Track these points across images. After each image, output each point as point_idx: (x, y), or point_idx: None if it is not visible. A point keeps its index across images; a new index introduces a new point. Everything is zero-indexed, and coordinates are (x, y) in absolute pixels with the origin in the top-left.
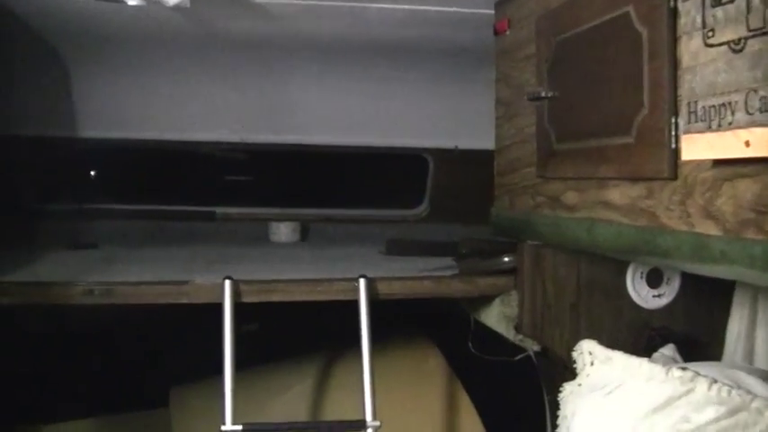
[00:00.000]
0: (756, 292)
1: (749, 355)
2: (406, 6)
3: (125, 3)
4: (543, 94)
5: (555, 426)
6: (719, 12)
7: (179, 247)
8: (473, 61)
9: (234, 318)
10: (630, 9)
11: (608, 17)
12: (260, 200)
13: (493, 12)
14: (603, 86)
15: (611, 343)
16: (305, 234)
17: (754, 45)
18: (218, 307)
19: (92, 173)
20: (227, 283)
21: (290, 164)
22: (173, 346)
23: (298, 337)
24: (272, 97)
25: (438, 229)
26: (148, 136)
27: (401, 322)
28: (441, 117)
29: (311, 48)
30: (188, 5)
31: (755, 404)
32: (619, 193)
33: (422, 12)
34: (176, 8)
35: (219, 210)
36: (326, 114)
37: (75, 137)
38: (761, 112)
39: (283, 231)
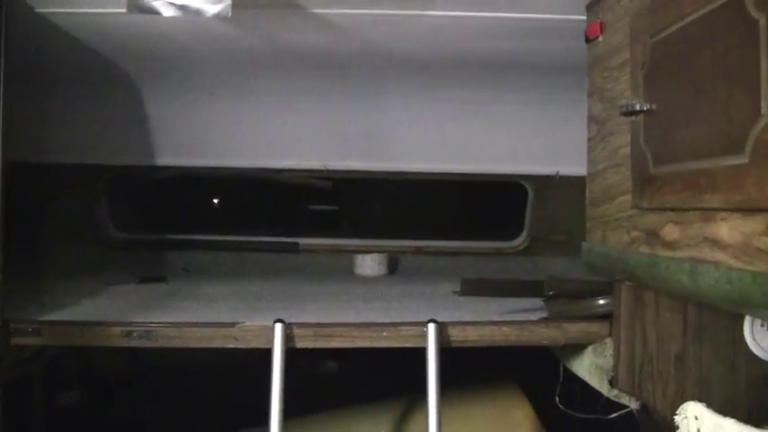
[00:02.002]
0: None
1: None
2: (493, 14)
3: (159, 14)
4: (638, 107)
5: None
6: None
7: (255, 280)
8: (571, 80)
9: (284, 364)
10: None
11: (715, 5)
12: (346, 231)
13: (584, 17)
14: (709, 92)
15: (725, 403)
16: (393, 267)
17: None
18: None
19: (173, 202)
20: (278, 326)
21: (376, 192)
22: (241, 388)
23: (377, 378)
24: (358, 121)
25: (538, 262)
26: (229, 163)
27: (488, 367)
28: (539, 141)
29: (398, 66)
30: (229, 14)
31: None
32: (728, 228)
33: (511, 20)
34: (218, 18)
35: (303, 241)
36: (415, 139)
37: (157, 165)
38: None
39: (369, 264)
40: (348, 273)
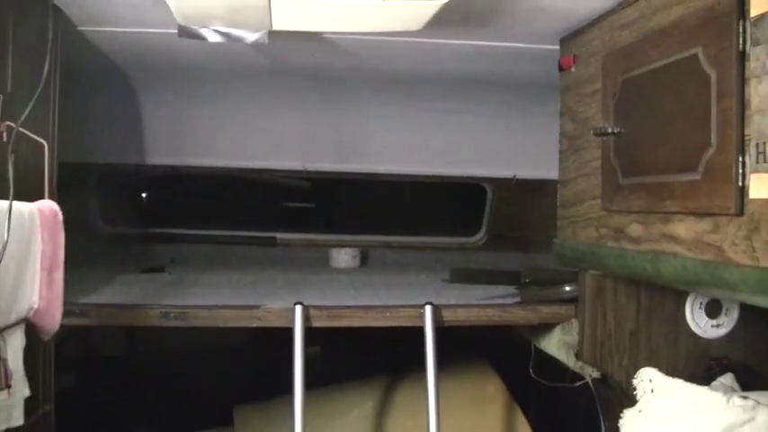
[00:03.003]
0: None
1: None
2: (474, 42)
3: (206, 39)
4: (610, 130)
5: None
6: None
7: (242, 271)
8: (532, 94)
9: (304, 341)
10: (699, 51)
11: (676, 58)
12: (320, 226)
13: (557, 47)
14: (670, 124)
15: (670, 371)
16: (364, 260)
17: None
18: (285, 330)
19: (161, 199)
20: (298, 308)
21: (350, 191)
22: (235, 367)
23: (358, 361)
24: (336, 127)
25: (495, 256)
26: (215, 163)
27: (460, 347)
28: (500, 147)
29: (377, 80)
30: (266, 42)
31: None
32: (684, 228)
33: (486, 47)
34: (254, 45)
35: (281, 236)
36: (388, 144)
37: (146, 164)
38: None
39: (343, 258)
40: (323, 265)
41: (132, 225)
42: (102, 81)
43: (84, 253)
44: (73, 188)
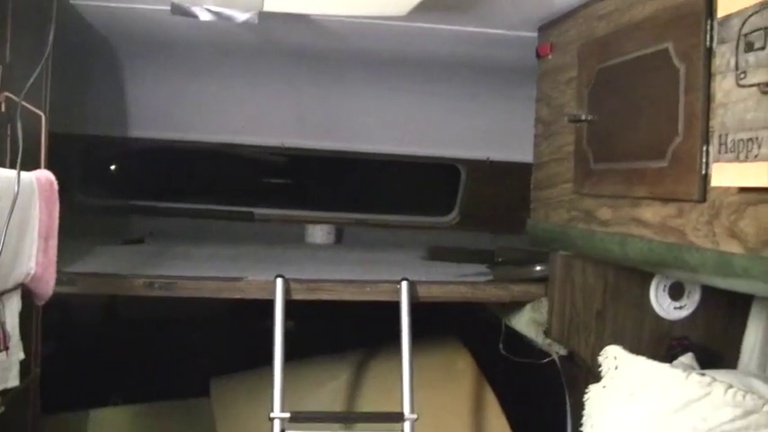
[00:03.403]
0: None
1: (763, 365)
2: (456, 27)
3: (197, 17)
4: (583, 117)
5: (576, 426)
6: (751, 57)
7: (220, 245)
8: (509, 78)
9: (284, 313)
10: (670, 46)
11: (649, 51)
12: (298, 203)
13: (535, 35)
14: (641, 114)
15: (633, 350)
16: (339, 237)
17: None
18: (261, 303)
19: (141, 171)
20: (279, 281)
21: (327, 169)
22: (212, 339)
23: (332, 335)
24: (315, 105)
25: (467, 236)
26: (194, 137)
27: (432, 324)
28: (475, 130)
29: (359, 61)
30: (256, 22)
31: (767, 407)
32: (651, 212)
33: (468, 32)
34: (245, 24)
35: (258, 211)
36: (366, 123)
37: (128, 136)
38: None
39: (319, 234)
40: (299, 240)
41: (113, 197)
42: (88, 53)
43: (66, 224)
44: (56, 159)
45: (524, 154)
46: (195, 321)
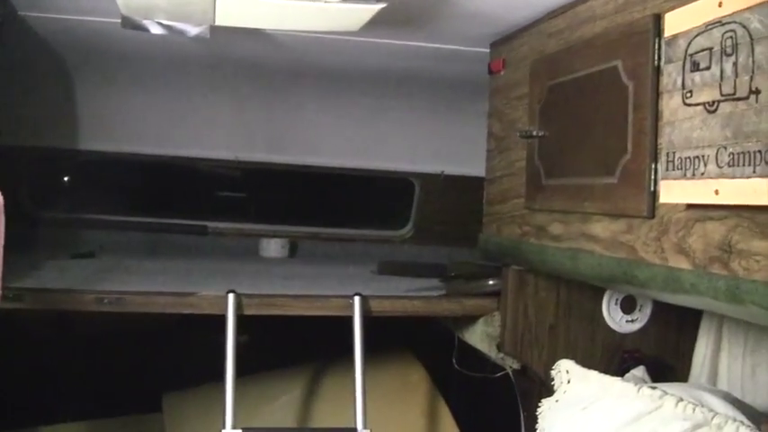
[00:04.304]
0: (721, 320)
1: (713, 377)
2: (409, 43)
3: (149, 31)
4: (534, 133)
5: None
6: (697, 76)
7: (172, 259)
8: (462, 93)
9: (236, 329)
10: (619, 64)
11: (598, 68)
12: (251, 216)
13: (487, 50)
14: (591, 130)
15: (586, 363)
16: (293, 251)
17: (725, 108)
18: (213, 318)
19: (91, 184)
20: (231, 296)
21: (281, 183)
22: (164, 354)
23: (286, 350)
24: (269, 118)
25: (421, 250)
26: (147, 150)
27: (386, 338)
28: (428, 144)
29: (311, 75)
30: (208, 36)
31: (716, 420)
32: (601, 228)
33: (421, 47)
34: (196, 38)
35: (211, 224)
36: (319, 137)
37: (78, 149)
38: (729, 166)
39: (273, 247)
40: (253, 254)
41: (64, 210)
42: (35, 65)
43: (15, 237)
44: (5, 171)
45: (478, 168)
46: (148, 335)
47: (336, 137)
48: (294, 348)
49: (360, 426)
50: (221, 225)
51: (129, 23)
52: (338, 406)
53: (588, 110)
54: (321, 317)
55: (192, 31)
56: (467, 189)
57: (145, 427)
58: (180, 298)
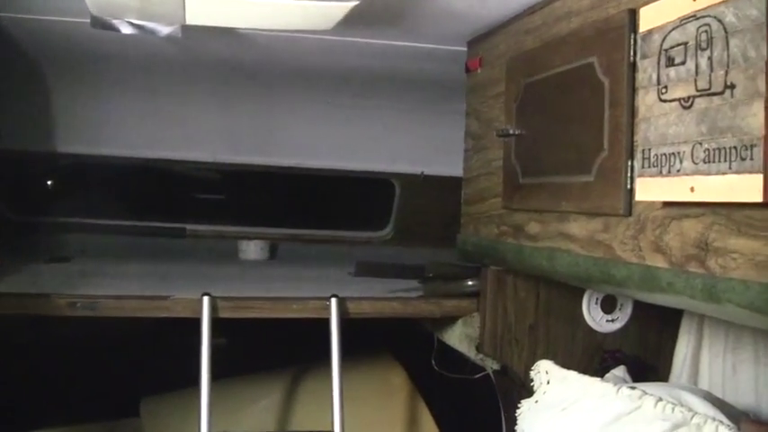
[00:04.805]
0: (702, 319)
1: (694, 376)
2: (385, 42)
3: (119, 31)
4: (511, 132)
5: None
6: (672, 71)
7: (150, 262)
8: (441, 93)
9: (210, 332)
10: (595, 60)
11: (574, 65)
12: (230, 218)
13: (464, 49)
14: (567, 128)
15: (567, 364)
16: (273, 252)
17: (700, 103)
18: (192, 321)
19: (69, 188)
20: (206, 299)
21: (260, 184)
22: (142, 358)
23: (264, 353)
24: (248, 120)
25: (402, 251)
26: (125, 153)
27: (365, 340)
28: (408, 144)
29: (290, 75)
30: (179, 36)
31: (695, 420)
32: (578, 227)
33: (399, 47)
34: (168, 38)
35: (190, 227)
36: (300, 138)
37: (53, 152)
38: (705, 162)
39: (252, 249)
40: (232, 257)
41: (39, 214)
42: (8, 67)
43: None
44: None
45: (458, 168)
46: (126, 340)
47: (315, 138)
48: (273, 352)
49: (337, 429)
50: (200, 227)
51: (99, 23)
52: (317, 410)
53: (564, 107)
54: (298, 319)
55: (164, 30)
56: (447, 189)
57: (122, 431)
58: (154, 301)
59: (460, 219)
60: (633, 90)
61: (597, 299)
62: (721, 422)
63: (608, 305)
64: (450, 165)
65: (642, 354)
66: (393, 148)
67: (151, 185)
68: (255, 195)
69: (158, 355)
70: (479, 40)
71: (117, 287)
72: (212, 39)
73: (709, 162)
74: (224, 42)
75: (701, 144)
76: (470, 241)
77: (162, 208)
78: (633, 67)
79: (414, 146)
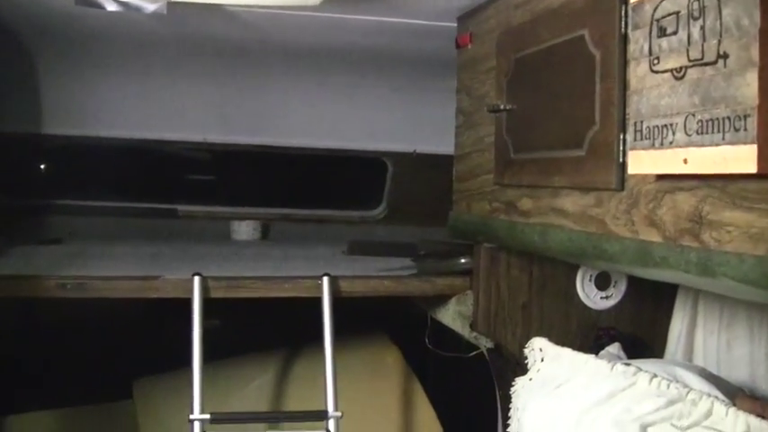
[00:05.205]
0: (697, 295)
1: (689, 353)
2: (374, 18)
3: (104, 8)
4: (502, 107)
5: (506, 418)
6: (664, 42)
7: (142, 243)
8: (432, 70)
9: (202, 312)
10: (585, 33)
11: (564, 38)
12: (222, 199)
13: (454, 24)
14: (558, 102)
15: (561, 341)
16: (265, 233)
17: (693, 74)
18: (185, 303)
19: (59, 169)
20: (197, 279)
21: (251, 164)
22: (134, 340)
23: (258, 334)
24: (239, 100)
25: (395, 230)
26: (115, 134)
27: (360, 320)
28: (400, 122)
29: (279, 54)
30: (164, 13)
31: (691, 396)
32: (570, 202)
33: (388, 23)
34: (153, 15)
35: (182, 208)
36: (291, 118)
37: (41, 133)
38: (698, 133)
39: (244, 230)
40: (224, 237)
41: (29, 196)
42: None
43: None
44: None
45: (450, 146)
46: (118, 321)
47: (307, 117)
48: (267, 332)
49: (331, 408)
50: (192, 208)
51: (84, 0)
52: (311, 389)
53: (555, 81)
54: (291, 299)
55: (149, 7)
56: (440, 167)
57: (116, 414)
58: (144, 282)
59: (453, 196)
60: (625, 62)
61: (591, 276)
62: (716, 398)
63: (602, 282)
64: (442, 142)
65: (637, 331)
66: (385, 126)
67: (142, 166)
68: (247, 175)
69: (151, 337)
70: (469, 16)
71: (108, 268)
72: (200, 17)
73: (702, 133)
74: (212, 20)
75: (693, 115)
76: (462, 219)
77: (153, 189)
78: (624, 38)
79: (405, 124)
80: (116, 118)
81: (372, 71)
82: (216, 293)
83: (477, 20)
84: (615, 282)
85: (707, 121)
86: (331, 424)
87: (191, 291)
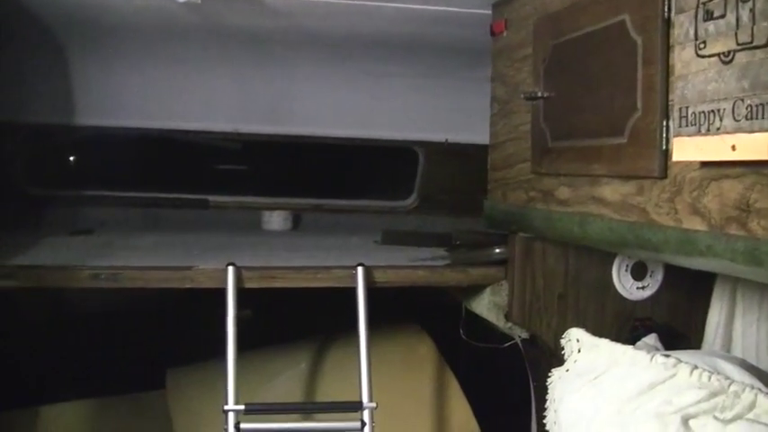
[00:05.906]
0: (735, 285)
1: (727, 344)
2: (407, 5)
3: None
4: (539, 94)
5: (540, 410)
6: (711, 25)
7: (174, 234)
8: (465, 58)
9: (236, 302)
10: (627, 18)
11: (605, 24)
12: (253, 189)
13: (489, 12)
14: (598, 89)
15: (596, 332)
16: (297, 223)
17: (741, 58)
18: (215, 293)
19: (89, 160)
20: (231, 269)
21: (283, 154)
22: (168, 330)
23: (290, 324)
24: (268, 89)
25: (426, 220)
26: (145, 125)
27: (393, 311)
28: (431, 111)
29: (310, 43)
30: (198, 2)
31: (733, 388)
32: (610, 190)
33: (421, 10)
34: (187, 5)
35: (213, 198)
36: (321, 107)
37: (72, 124)
38: (747, 119)
39: (276, 220)
40: (255, 227)
41: (60, 187)
42: (27, 39)
43: (10, 215)
44: None
45: (482, 135)
46: (151, 311)
47: (338, 106)
48: (300, 322)
49: (365, 399)
50: (223, 198)
51: None
52: (344, 380)
53: (595, 68)
54: (325, 289)
55: None
56: (472, 157)
57: (148, 404)
58: (178, 272)
59: (487, 185)
60: (668, 47)
61: (627, 266)
62: (760, 390)
63: (638, 272)
64: (474, 132)
65: (674, 321)
66: (417, 115)
67: (173, 157)
68: (278, 165)
69: (184, 327)
70: (504, 3)
71: (141, 259)
72: (232, 6)
73: (751, 119)
74: (244, 9)
75: (742, 100)
76: (498, 208)
77: (184, 179)
78: (668, 23)
79: (437, 113)
80: (146, 108)
81: (403, 59)
82: (250, 283)
83: (512, 6)
84: (651, 272)
85: (756, 106)
86: (365, 415)
87: (224, 281)
